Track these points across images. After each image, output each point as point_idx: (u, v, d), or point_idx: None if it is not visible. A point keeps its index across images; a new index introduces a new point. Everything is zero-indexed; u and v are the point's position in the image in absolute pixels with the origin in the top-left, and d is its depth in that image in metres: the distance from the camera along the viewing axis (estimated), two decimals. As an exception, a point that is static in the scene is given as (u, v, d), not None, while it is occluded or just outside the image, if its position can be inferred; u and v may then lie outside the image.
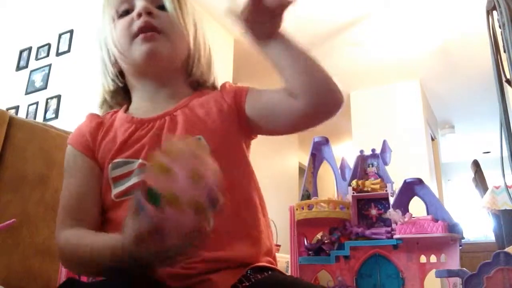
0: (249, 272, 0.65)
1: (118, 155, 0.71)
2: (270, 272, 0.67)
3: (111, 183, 0.70)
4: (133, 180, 0.68)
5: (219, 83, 0.85)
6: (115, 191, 0.69)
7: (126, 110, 0.80)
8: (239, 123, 0.75)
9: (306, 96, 0.68)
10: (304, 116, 0.69)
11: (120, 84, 0.80)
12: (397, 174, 2.35)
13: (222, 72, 3.72)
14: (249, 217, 0.74)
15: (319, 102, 0.69)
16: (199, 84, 0.83)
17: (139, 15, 0.74)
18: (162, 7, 0.77)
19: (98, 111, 0.84)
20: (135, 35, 0.74)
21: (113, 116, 0.79)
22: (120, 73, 0.80)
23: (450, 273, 1.53)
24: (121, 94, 0.82)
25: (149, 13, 0.74)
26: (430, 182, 4.31)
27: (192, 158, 0.49)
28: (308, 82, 0.70)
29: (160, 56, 0.74)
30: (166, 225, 0.46)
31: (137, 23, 0.74)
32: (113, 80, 0.79)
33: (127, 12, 0.76)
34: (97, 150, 0.74)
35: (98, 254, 0.60)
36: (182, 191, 0.46)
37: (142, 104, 0.79)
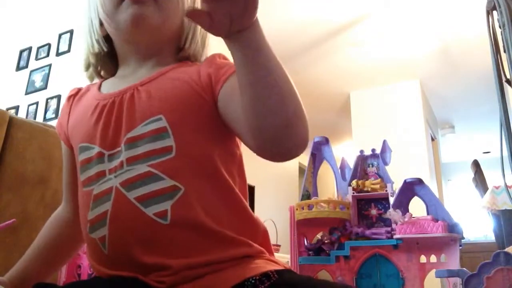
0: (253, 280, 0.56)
1: (82, 139, 0.67)
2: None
3: (78, 168, 0.68)
4: (93, 170, 0.64)
5: None
6: (81, 178, 0.66)
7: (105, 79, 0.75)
8: (211, 105, 0.63)
9: (256, 138, 0.54)
10: (258, 153, 0.56)
11: (105, 49, 0.72)
12: (397, 174, 2.35)
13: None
14: (224, 209, 0.61)
15: (273, 148, 0.54)
16: (188, 60, 0.72)
17: None
18: None
19: (84, 74, 0.77)
20: None
21: (88, 90, 0.74)
22: (107, 38, 0.72)
23: (450, 273, 1.53)
24: (106, 61, 0.74)
25: None
26: (430, 182, 4.31)
27: None
28: (262, 114, 0.52)
29: (147, 23, 0.65)
30: None
31: None
32: (97, 42, 0.71)
33: None
34: (69, 135, 0.72)
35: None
36: None
37: (122, 74, 0.72)
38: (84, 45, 0.74)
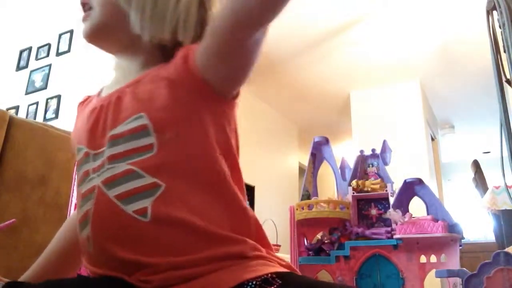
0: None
1: (78, 141, 0.68)
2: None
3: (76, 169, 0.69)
4: (82, 170, 0.65)
5: None
6: (76, 179, 0.67)
7: None
8: (196, 92, 0.61)
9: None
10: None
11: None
12: (397, 174, 2.35)
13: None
14: (212, 205, 0.59)
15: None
16: (167, 47, 0.66)
17: None
18: None
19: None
20: None
21: (95, 96, 0.75)
22: None
23: (450, 273, 1.52)
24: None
25: None
26: (430, 182, 4.31)
27: None
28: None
29: (92, 33, 0.68)
30: None
31: None
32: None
33: None
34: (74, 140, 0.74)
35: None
36: None
37: (116, 79, 0.72)
38: None
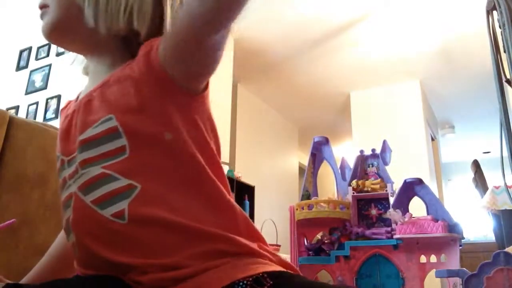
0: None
1: (57, 148, 0.67)
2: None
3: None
4: (60, 178, 0.64)
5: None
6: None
7: None
8: (161, 88, 0.59)
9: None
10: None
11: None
12: (397, 174, 2.35)
13: (222, 72, 3.72)
14: (192, 202, 0.58)
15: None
16: (132, 44, 0.65)
17: None
18: None
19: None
20: None
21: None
22: None
23: (450, 273, 1.53)
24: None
25: None
26: (430, 182, 4.31)
27: None
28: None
29: (50, 30, 0.68)
30: None
31: None
32: None
33: None
34: None
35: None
36: None
37: (88, 83, 0.70)
38: None
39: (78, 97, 0.70)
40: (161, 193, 0.57)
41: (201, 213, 0.57)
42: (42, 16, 0.69)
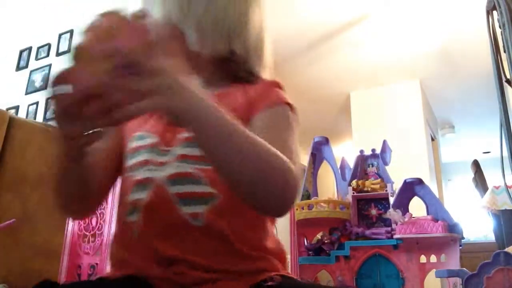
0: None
1: (141, 126, 0.72)
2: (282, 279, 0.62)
3: (126, 154, 0.71)
4: (143, 157, 0.69)
5: None
6: (129, 163, 0.70)
7: None
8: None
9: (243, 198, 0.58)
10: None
11: None
12: (397, 174, 2.35)
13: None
14: (249, 228, 0.65)
15: (251, 202, 0.57)
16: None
17: None
18: None
19: None
20: None
21: None
22: None
23: (450, 273, 1.53)
24: None
25: None
26: (430, 182, 4.31)
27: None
28: (239, 186, 0.55)
29: None
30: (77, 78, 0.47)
31: None
32: None
33: None
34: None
35: None
36: (90, 46, 0.47)
37: None
38: None
39: None
40: (233, 212, 0.62)
41: (255, 238, 0.65)
42: None
